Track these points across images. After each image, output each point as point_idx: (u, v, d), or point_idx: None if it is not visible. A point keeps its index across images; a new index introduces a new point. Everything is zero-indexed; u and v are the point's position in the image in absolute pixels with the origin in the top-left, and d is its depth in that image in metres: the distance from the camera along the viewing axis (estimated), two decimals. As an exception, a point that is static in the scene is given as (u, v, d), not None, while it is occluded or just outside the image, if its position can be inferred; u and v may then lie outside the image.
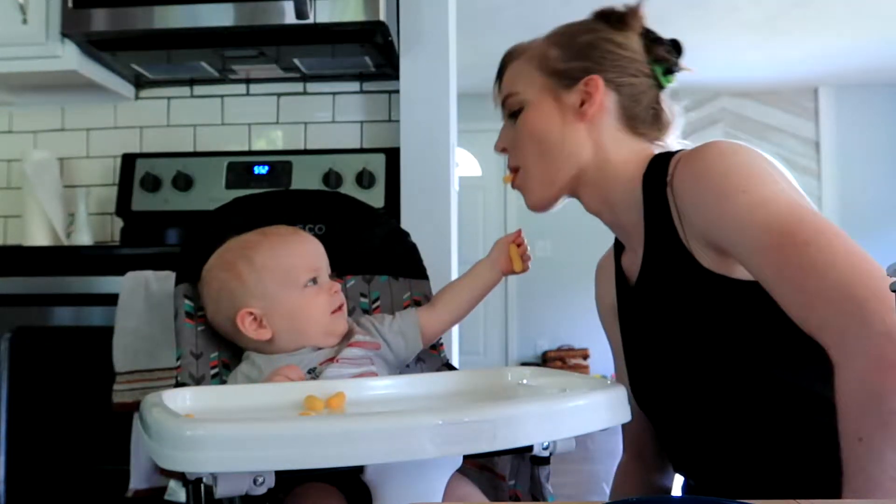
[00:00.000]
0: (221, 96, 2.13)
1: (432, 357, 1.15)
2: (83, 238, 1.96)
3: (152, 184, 1.97)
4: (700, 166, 0.84)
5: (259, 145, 2.12)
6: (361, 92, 2.09)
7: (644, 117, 0.96)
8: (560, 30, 1.01)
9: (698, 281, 0.85)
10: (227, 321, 0.98)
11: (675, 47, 0.99)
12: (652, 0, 0.99)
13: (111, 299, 1.53)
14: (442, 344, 1.17)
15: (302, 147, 2.10)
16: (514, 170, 1.03)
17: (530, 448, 0.73)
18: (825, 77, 5.20)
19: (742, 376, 0.84)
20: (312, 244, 1.03)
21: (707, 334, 0.86)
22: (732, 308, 0.84)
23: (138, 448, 1.45)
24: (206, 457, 0.59)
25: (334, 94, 2.10)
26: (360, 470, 0.68)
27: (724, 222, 0.80)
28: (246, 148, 2.12)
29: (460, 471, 0.77)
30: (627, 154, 0.95)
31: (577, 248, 5.37)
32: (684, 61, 0.99)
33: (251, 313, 0.96)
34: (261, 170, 1.98)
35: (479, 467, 0.97)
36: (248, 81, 2.12)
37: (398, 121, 1.85)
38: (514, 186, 1.04)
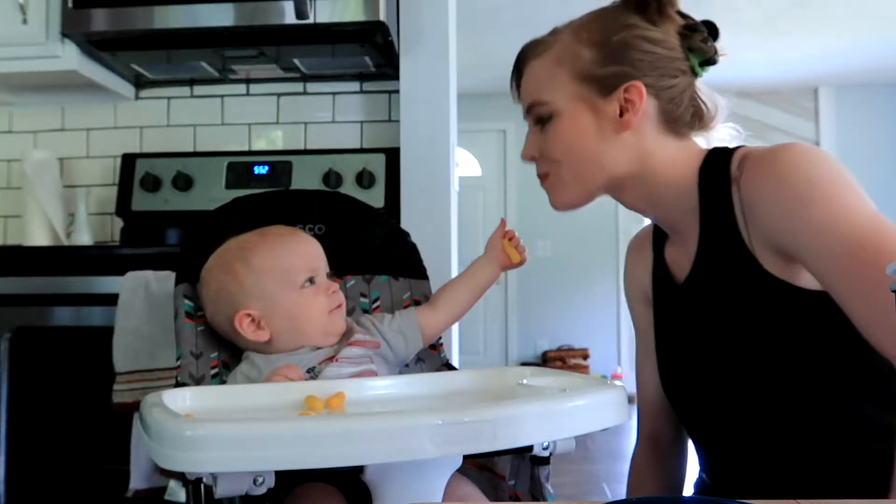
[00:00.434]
0: (221, 96, 2.13)
1: (432, 357, 1.15)
2: (83, 238, 1.97)
3: (152, 184, 1.97)
4: (782, 170, 0.80)
5: (259, 145, 2.12)
6: (361, 92, 2.09)
7: (685, 118, 0.91)
8: (589, 24, 0.92)
9: (758, 284, 0.83)
10: (225, 322, 0.99)
11: (711, 32, 0.91)
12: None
13: (111, 299, 1.53)
14: (442, 343, 1.17)
15: (302, 147, 2.10)
16: (544, 176, 0.96)
17: (530, 448, 0.73)
18: (825, 77, 5.20)
19: (791, 386, 0.83)
20: (310, 244, 1.03)
21: (761, 340, 0.84)
22: (792, 316, 0.82)
23: (138, 448, 1.45)
24: (206, 457, 0.59)
25: (334, 94, 2.10)
26: (360, 470, 0.68)
27: (804, 229, 0.77)
28: (246, 148, 2.12)
29: (460, 471, 0.77)
30: (674, 154, 0.91)
31: (577, 248, 5.37)
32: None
33: (249, 315, 0.96)
34: (261, 170, 1.98)
35: (479, 467, 0.97)
36: (248, 81, 2.12)
37: (398, 121, 1.85)
38: (541, 185, 0.99)
